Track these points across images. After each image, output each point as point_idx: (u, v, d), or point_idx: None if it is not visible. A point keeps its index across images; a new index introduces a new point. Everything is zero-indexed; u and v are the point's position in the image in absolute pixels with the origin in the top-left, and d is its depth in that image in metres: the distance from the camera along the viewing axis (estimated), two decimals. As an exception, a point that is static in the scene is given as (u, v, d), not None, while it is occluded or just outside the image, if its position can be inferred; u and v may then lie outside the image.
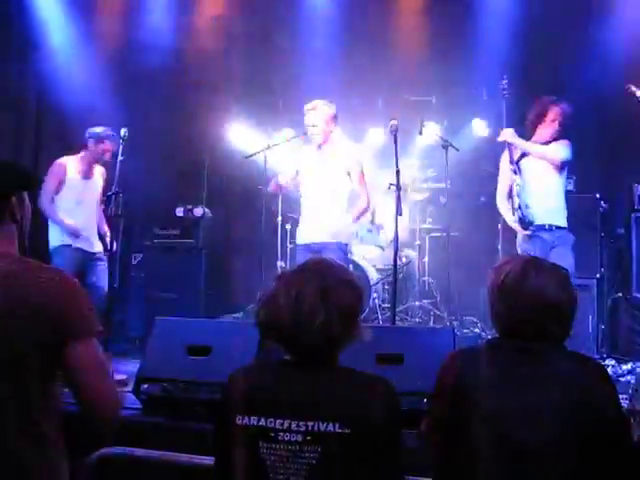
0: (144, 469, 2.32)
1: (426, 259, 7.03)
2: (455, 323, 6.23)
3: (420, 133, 6.26)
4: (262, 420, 1.79)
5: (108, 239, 5.38)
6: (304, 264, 1.95)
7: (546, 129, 4.74)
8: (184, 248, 7.13)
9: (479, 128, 7.40)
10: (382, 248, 6.60)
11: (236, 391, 1.88)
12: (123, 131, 4.86)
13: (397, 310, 6.44)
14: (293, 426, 1.77)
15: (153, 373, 3.58)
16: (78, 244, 5.18)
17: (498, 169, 7.29)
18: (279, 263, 6.67)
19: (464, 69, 7.25)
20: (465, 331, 6.28)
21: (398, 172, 4.27)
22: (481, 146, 7.42)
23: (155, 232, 7.26)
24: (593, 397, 1.81)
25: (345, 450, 1.74)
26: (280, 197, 6.78)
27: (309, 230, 5.01)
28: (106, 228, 5.45)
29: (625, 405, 3.35)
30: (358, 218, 5.05)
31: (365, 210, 5.05)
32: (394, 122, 4.48)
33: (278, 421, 1.78)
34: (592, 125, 6.32)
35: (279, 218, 6.73)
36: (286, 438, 1.77)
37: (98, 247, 5.35)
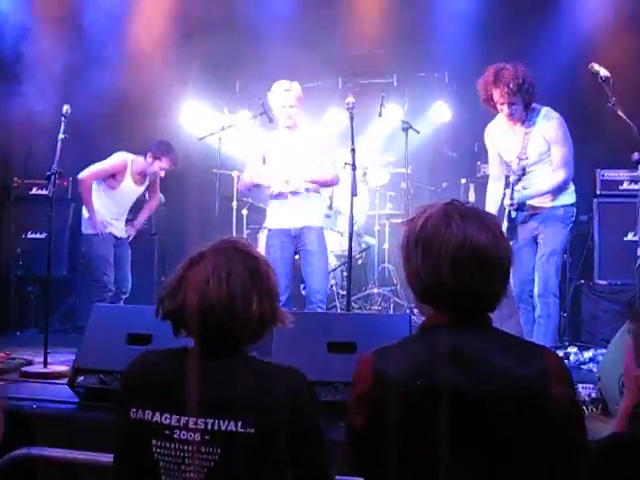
0: (62, 470, 2.09)
1: (386, 245, 6.87)
2: (415, 311, 6.07)
3: (380, 115, 6.07)
4: (157, 415, 1.59)
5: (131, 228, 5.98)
6: (219, 245, 1.74)
7: (505, 113, 4.23)
8: (137, 234, 6.85)
9: (441, 112, 7.25)
10: (340, 234, 6.41)
11: (132, 380, 1.68)
12: (65, 108, 4.55)
13: (356, 297, 6.31)
14: (190, 423, 1.57)
15: (90, 364, 3.34)
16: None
17: (460, 154, 7.28)
18: (235, 249, 6.43)
19: (426, 52, 7.12)
20: (423, 319, 6.12)
21: (353, 150, 4.08)
22: (443, 130, 7.31)
23: (107, 217, 6.97)
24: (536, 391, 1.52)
25: (249, 452, 1.54)
26: (235, 181, 6.57)
27: (285, 214, 4.83)
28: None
29: (592, 394, 3.23)
30: (324, 182, 4.89)
31: (331, 181, 4.89)
32: (350, 99, 4.31)
33: (174, 417, 1.58)
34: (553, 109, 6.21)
35: (234, 203, 6.51)
36: (182, 437, 1.57)
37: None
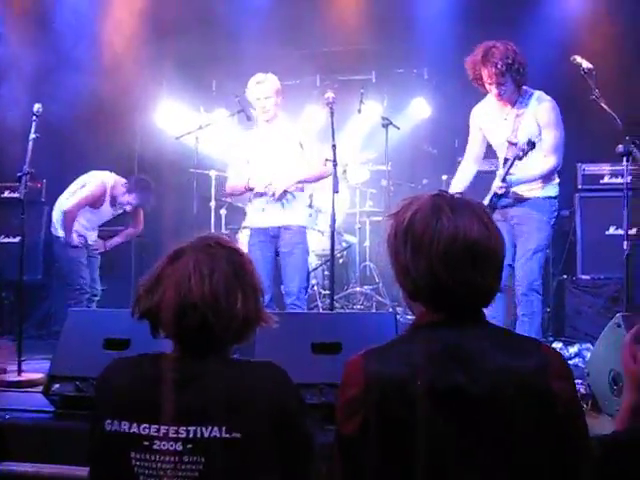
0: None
1: (367, 243, 6.79)
2: (399, 309, 6.00)
3: (359, 111, 6.00)
4: (134, 425, 1.48)
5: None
6: (200, 241, 1.64)
7: (494, 94, 4.06)
8: (113, 234, 6.72)
9: (420, 108, 7.20)
10: (321, 233, 6.32)
11: (106, 389, 1.58)
12: (37, 107, 4.42)
13: (338, 297, 6.23)
14: (171, 432, 1.47)
15: (66, 370, 3.22)
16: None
17: (440, 150, 7.22)
18: (213, 250, 6.33)
19: (405, 48, 7.07)
20: (408, 317, 6.05)
21: (334, 147, 3.99)
22: (422, 127, 7.26)
23: (81, 219, 6.84)
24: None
25: (234, 459, 1.45)
26: (213, 180, 6.47)
27: (264, 214, 4.69)
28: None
29: (580, 390, 3.17)
30: (312, 179, 4.74)
31: (320, 175, 4.65)
32: (330, 94, 4.22)
33: (153, 427, 1.48)
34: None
35: (212, 203, 6.41)
36: (163, 447, 1.46)
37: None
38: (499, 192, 4.07)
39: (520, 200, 4.15)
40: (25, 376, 4.01)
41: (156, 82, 7.38)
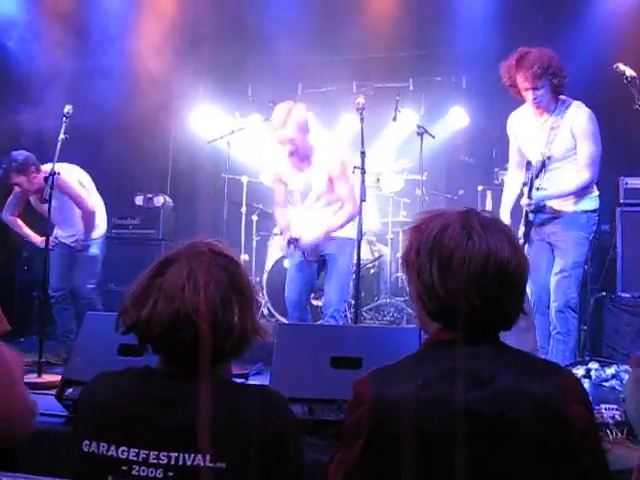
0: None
1: (399, 254, 6.64)
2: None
3: (394, 119, 5.87)
4: (112, 448, 1.37)
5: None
6: (193, 247, 1.53)
7: (530, 99, 3.90)
8: (143, 239, 6.73)
9: (458, 117, 7.05)
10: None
11: (85, 407, 1.48)
12: (67, 108, 4.41)
13: (367, 308, 6.11)
14: (151, 458, 1.36)
15: (79, 375, 3.14)
16: None
17: (477, 160, 7.05)
18: (243, 257, 6.27)
19: (443, 56, 6.94)
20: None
21: (363, 154, 3.85)
22: (460, 136, 7.12)
23: (113, 222, 6.83)
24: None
25: None
26: (244, 186, 6.42)
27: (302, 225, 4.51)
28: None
29: (616, 416, 2.98)
30: (343, 225, 4.37)
31: (352, 216, 4.27)
32: (361, 100, 4.08)
33: (132, 450, 1.37)
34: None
35: (243, 208, 6.36)
36: (142, 473, 1.35)
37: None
38: (528, 209, 3.96)
39: (556, 215, 4.01)
40: (45, 378, 3.98)
41: (192, 87, 7.38)
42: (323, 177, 4.34)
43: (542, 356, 3.75)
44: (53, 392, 3.55)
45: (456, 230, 1.44)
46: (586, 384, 2.94)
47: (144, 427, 1.39)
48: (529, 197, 3.95)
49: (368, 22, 6.83)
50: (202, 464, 1.34)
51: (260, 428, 1.38)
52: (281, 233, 4.71)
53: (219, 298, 1.44)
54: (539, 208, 3.96)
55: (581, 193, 3.97)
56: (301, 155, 4.37)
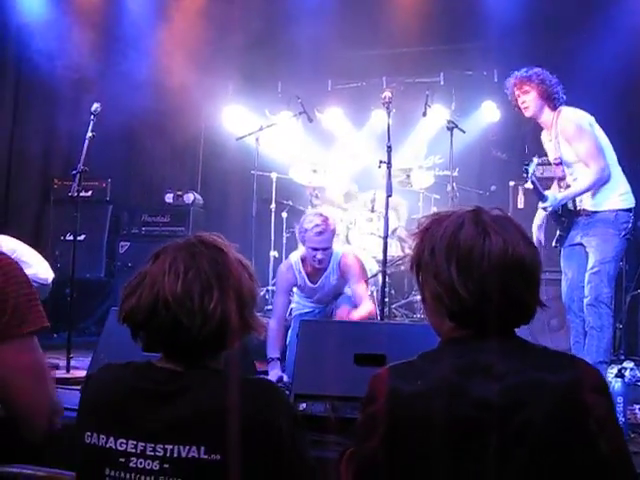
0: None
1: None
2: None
3: (424, 114, 5.78)
4: (111, 440, 1.38)
5: None
6: (186, 240, 1.53)
7: (522, 108, 4.13)
8: (173, 236, 6.72)
9: (490, 112, 6.93)
10: (382, 238, 6.13)
11: (87, 399, 1.49)
12: (95, 106, 4.44)
13: (397, 304, 6.05)
14: (148, 450, 1.36)
15: (104, 371, 3.16)
16: None
17: (509, 156, 6.93)
18: (272, 253, 6.26)
19: (474, 49, 6.83)
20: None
21: (389, 148, 3.81)
22: (491, 131, 7.00)
23: (144, 219, 6.91)
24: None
25: None
26: (274, 183, 6.41)
27: None
28: None
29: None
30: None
31: (370, 313, 4.21)
32: (387, 94, 4.05)
33: (130, 442, 1.37)
34: (610, 113, 5.84)
35: (273, 205, 6.34)
36: (139, 465, 1.36)
37: None
38: (545, 212, 4.09)
39: (589, 217, 4.03)
40: (73, 373, 4.01)
41: (222, 85, 7.40)
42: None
43: (576, 354, 3.66)
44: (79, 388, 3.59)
45: (471, 228, 1.43)
46: (619, 383, 2.87)
47: (142, 420, 1.39)
48: (542, 201, 4.04)
49: (398, 16, 6.76)
50: (197, 456, 1.34)
51: (253, 416, 1.37)
52: (268, 362, 4.09)
53: (198, 285, 1.42)
54: (565, 211, 4.04)
55: (604, 190, 3.97)
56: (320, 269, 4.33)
